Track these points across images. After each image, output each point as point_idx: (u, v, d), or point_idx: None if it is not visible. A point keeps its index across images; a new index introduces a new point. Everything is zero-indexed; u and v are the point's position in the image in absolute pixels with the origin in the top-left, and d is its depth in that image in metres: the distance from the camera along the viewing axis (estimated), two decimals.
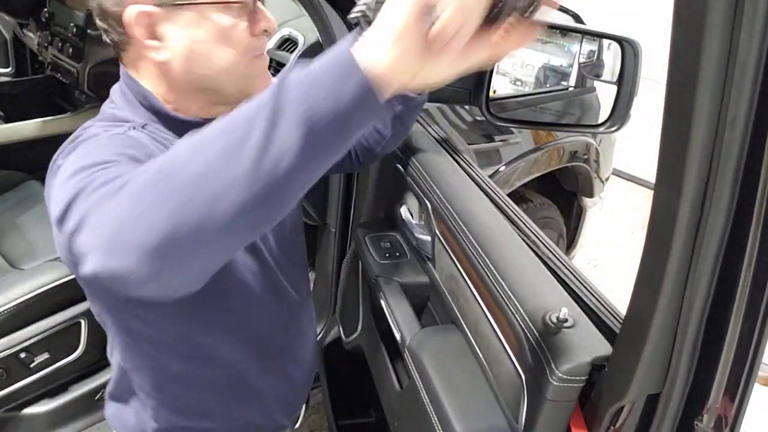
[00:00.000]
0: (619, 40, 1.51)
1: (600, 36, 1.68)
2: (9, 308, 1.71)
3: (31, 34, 2.49)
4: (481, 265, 0.98)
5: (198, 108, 0.90)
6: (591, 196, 2.45)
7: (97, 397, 1.89)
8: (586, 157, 2.28)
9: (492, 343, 0.96)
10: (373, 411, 1.61)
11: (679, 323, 0.66)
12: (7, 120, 2.51)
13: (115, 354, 1.03)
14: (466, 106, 1.82)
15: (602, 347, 0.78)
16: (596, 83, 1.83)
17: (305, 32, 1.68)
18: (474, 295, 1.02)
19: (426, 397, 1.04)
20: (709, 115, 0.56)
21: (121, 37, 0.85)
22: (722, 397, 0.67)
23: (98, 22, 0.87)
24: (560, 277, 0.93)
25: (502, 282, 0.93)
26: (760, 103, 0.55)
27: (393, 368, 1.27)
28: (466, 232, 1.05)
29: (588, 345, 0.79)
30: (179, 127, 0.89)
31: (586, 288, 0.90)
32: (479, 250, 1.00)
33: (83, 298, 1.32)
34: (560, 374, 0.77)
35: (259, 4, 0.88)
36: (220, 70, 0.86)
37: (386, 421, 1.34)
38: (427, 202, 1.21)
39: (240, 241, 0.62)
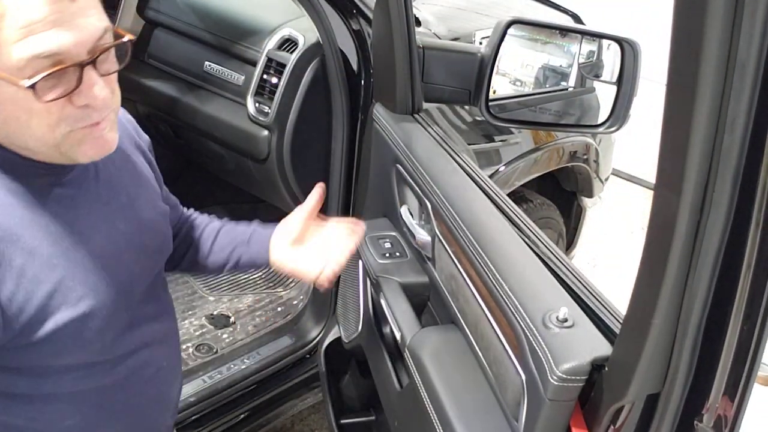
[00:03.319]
0: (619, 41, 1.51)
1: (599, 36, 1.68)
2: None
3: None
4: (481, 264, 0.98)
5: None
6: (590, 196, 2.45)
7: None
8: (585, 157, 2.28)
9: (492, 343, 0.96)
10: (373, 411, 1.61)
11: (678, 323, 0.66)
12: None
13: None
14: (466, 106, 1.82)
15: (602, 347, 0.78)
16: (596, 83, 1.83)
17: (305, 32, 1.68)
18: (474, 294, 1.02)
19: (426, 397, 1.04)
20: (709, 116, 0.56)
21: None
22: (722, 397, 0.67)
23: None
24: (560, 276, 0.93)
25: (502, 282, 0.93)
26: (760, 104, 0.55)
27: (393, 368, 1.28)
28: (466, 232, 1.05)
29: (588, 345, 0.79)
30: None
31: (585, 288, 0.90)
32: (479, 249, 1.00)
33: None
34: (560, 374, 0.77)
35: (88, 72, 0.77)
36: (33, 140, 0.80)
37: (386, 420, 1.34)
38: (427, 202, 1.21)
39: None
